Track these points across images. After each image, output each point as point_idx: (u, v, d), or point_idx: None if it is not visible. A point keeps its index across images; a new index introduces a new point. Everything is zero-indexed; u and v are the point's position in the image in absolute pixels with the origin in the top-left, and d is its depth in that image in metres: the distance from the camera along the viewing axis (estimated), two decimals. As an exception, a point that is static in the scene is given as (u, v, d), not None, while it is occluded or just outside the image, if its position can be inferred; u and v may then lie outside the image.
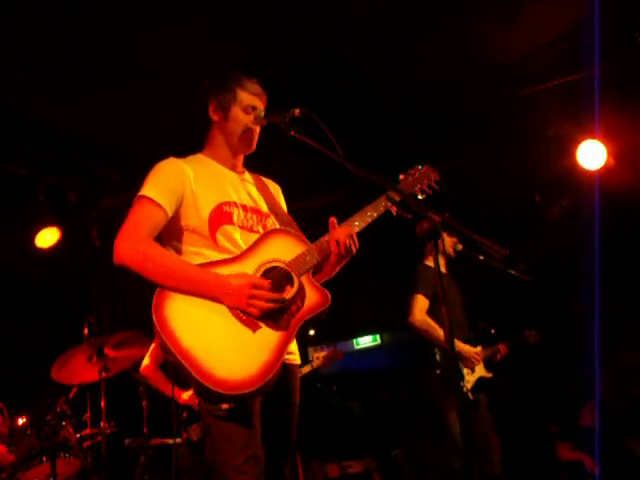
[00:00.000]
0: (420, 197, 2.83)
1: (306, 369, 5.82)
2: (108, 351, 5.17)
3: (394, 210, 3.12)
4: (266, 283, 2.76)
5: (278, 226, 3.16)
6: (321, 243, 2.99)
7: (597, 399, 6.42)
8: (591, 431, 6.40)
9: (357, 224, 3.06)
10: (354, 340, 11.69)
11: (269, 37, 5.14)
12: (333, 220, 3.05)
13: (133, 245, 2.74)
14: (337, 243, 2.97)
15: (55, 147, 6.18)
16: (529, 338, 6.08)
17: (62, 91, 5.45)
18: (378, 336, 11.64)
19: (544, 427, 7.33)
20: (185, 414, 5.25)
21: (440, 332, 5.29)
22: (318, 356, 5.96)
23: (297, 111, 2.99)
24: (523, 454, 6.86)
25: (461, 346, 5.47)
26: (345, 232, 2.99)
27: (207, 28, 4.96)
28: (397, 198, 3.11)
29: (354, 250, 3.02)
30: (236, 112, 3.14)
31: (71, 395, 5.23)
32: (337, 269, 3.14)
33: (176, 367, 2.63)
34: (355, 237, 3.02)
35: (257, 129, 3.17)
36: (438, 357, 5.38)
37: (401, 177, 3.26)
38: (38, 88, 5.40)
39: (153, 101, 5.60)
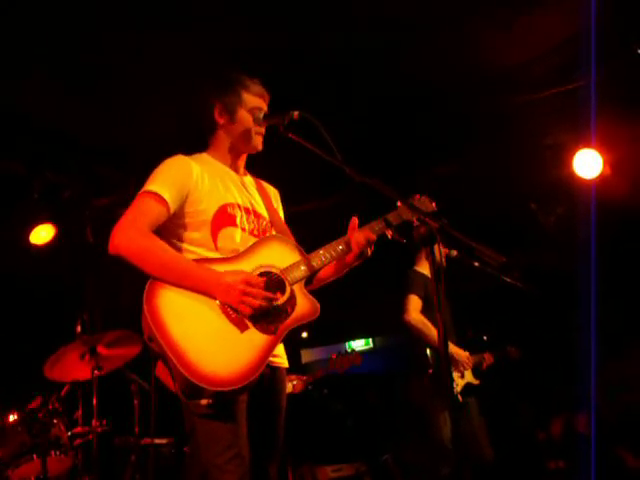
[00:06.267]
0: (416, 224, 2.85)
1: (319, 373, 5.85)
2: (101, 349, 5.16)
3: (389, 234, 3.19)
4: (260, 282, 2.77)
5: (275, 233, 3.18)
6: (318, 254, 3.02)
7: (592, 407, 6.44)
8: (586, 439, 6.42)
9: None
10: (346, 343, 11.71)
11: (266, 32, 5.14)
12: (355, 220, 3.13)
13: (130, 236, 2.75)
14: (357, 244, 3.05)
15: (52, 145, 6.17)
16: (510, 353, 6.11)
17: (60, 90, 5.44)
18: (370, 340, 11.66)
19: (534, 434, 7.36)
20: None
21: (434, 332, 5.30)
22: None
23: (296, 114, 3.00)
24: (514, 461, 6.88)
25: (454, 349, 5.50)
26: (365, 235, 3.07)
27: (206, 28, 4.97)
28: (394, 222, 3.15)
29: (369, 253, 3.12)
30: (242, 115, 3.15)
31: (63, 393, 5.22)
32: (347, 270, 3.22)
33: (160, 358, 2.65)
34: (372, 242, 3.10)
35: (263, 130, 3.18)
36: (430, 357, 5.40)
37: (399, 204, 3.26)
38: (36, 86, 5.39)
39: (151, 101, 5.60)
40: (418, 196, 3.33)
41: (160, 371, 4.50)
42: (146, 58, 5.15)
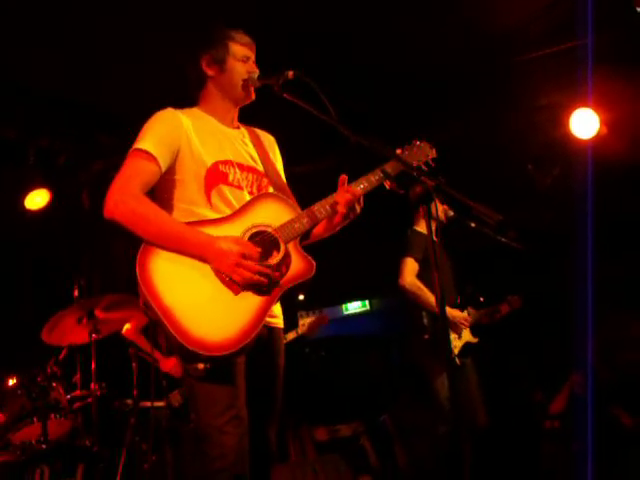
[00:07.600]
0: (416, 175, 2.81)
1: (291, 335, 5.86)
2: (98, 313, 5.16)
3: (387, 184, 3.14)
4: (256, 254, 2.74)
5: (272, 188, 3.16)
6: (312, 211, 2.98)
7: (588, 366, 6.48)
8: (581, 399, 6.46)
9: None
10: (343, 305, 11.73)
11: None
12: (344, 178, 3.07)
13: (124, 200, 2.73)
14: (344, 204, 2.99)
15: (47, 109, 6.12)
16: (512, 303, 6.09)
17: (55, 52, 5.39)
18: (367, 302, 11.68)
19: (530, 394, 7.41)
20: (165, 382, 5.29)
21: (430, 296, 5.30)
22: (304, 323, 5.99)
23: (291, 73, 2.98)
24: (509, 421, 6.94)
25: (450, 312, 5.48)
26: (351, 195, 3.01)
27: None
28: (392, 172, 3.12)
29: (358, 210, 3.06)
30: (232, 63, 3.13)
31: (61, 357, 5.24)
32: (339, 228, 3.16)
33: (156, 324, 2.65)
34: (361, 199, 3.05)
35: (255, 77, 3.14)
36: (425, 321, 5.39)
37: (398, 151, 3.23)
38: (30, 49, 5.33)
39: (148, 64, 5.55)
40: (418, 142, 3.30)
41: (131, 333, 4.48)
42: (143, 19, 5.09)
